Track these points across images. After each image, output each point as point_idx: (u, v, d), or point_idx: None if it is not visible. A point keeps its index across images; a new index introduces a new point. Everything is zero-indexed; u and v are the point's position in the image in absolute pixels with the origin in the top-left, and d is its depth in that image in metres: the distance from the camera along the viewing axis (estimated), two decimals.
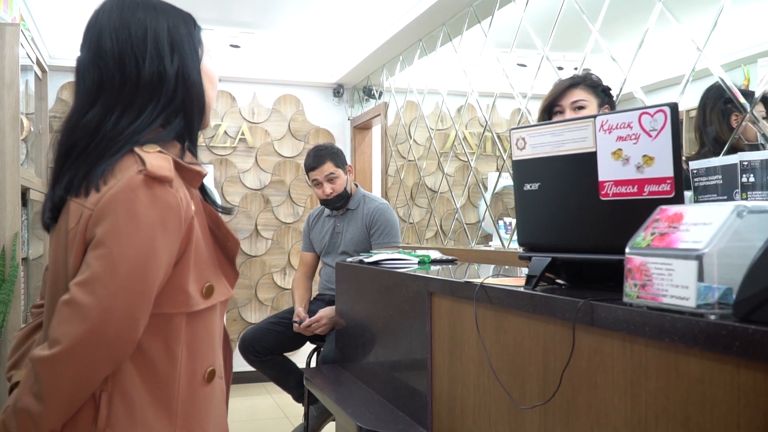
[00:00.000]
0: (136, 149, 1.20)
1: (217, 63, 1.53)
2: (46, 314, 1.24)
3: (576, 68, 3.24)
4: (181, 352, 1.24)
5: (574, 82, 2.35)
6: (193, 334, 1.26)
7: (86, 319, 1.10)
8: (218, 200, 1.42)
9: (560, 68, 3.58)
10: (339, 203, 3.69)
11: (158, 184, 1.16)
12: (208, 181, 5.44)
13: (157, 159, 1.19)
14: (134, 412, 1.19)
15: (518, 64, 4.38)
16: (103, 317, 1.10)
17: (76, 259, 1.16)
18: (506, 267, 2.66)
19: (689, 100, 4.62)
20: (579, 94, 2.34)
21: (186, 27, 1.33)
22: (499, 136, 4.29)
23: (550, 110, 2.39)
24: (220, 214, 1.37)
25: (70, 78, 5.15)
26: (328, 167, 3.60)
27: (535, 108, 5.46)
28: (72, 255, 1.17)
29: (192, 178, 1.29)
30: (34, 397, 1.13)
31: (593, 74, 2.41)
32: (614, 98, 2.43)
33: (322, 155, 3.61)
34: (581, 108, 2.31)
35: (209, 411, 1.31)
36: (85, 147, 1.22)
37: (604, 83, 2.39)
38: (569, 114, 2.32)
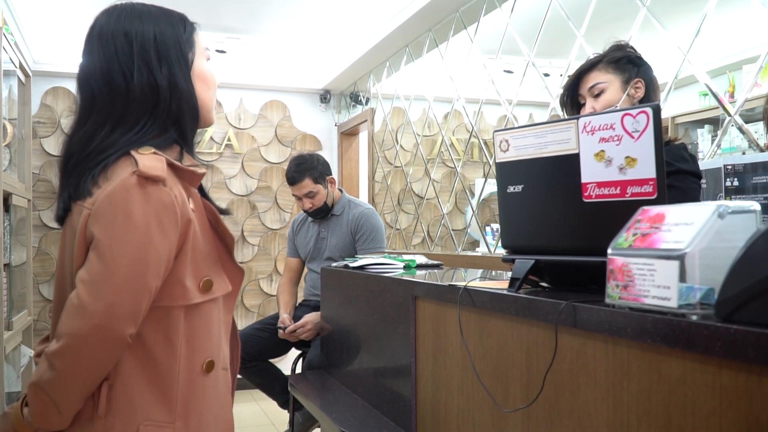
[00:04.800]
0: (132, 152, 1.25)
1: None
2: (54, 307, 1.30)
3: (561, 74, 3.24)
4: (180, 343, 1.29)
5: (588, 66, 2.04)
6: (192, 327, 1.30)
7: (93, 315, 1.15)
8: None
9: (546, 75, 3.58)
10: (319, 216, 3.68)
11: (151, 183, 1.20)
12: None
13: (150, 160, 1.23)
14: (134, 401, 1.24)
15: (504, 71, 4.39)
16: (107, 312, 1.16)
17: (78, 255, 1.22)
18: (494, 272, 2.65)
19: (673, 107, 4.67)
20: (594, 77, 2.02)
21: (174, 32, 1.35)
22: (485, 143, 4.30)
23: (574, 101, 2.09)
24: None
25: (55, 83, 5.11)
26: (307, 185, 3.55)
27: (521, 114, 5.51)
28: (75, 252, 1.23)
29: (190, 177, 1.32)
30: (49, 383, 1.19)
31: (622, 44, 2.06)
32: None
33: (301, 171, 3.55)
34: (601, 93, 2.00)
35: (209, 401, 1.35)
36: (80, 156, 1.28)
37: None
38: (589, 102, 2.02)
